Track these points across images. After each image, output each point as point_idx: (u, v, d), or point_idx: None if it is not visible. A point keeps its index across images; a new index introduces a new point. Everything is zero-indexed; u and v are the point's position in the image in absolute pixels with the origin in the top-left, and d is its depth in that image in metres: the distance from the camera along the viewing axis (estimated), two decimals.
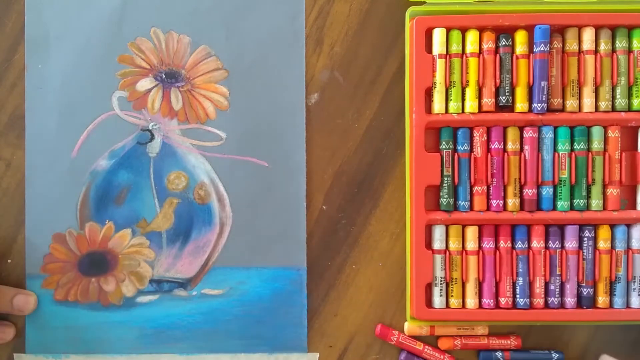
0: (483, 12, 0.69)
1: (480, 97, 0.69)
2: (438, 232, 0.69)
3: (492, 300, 0.69)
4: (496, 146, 0.69)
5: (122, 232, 0.72)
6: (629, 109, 0.69)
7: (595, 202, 0.69)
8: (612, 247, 0.69)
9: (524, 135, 0.69)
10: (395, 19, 0.72)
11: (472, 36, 0.69)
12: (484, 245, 0.69)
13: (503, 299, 0.69)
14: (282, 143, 0.72)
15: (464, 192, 0.69)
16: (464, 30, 0.69)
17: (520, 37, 0.69)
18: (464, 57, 0.69)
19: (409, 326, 0.71)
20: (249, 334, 0.72)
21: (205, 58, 0.72)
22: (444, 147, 0.69)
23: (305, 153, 0.72)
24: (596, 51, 0.69)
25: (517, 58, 0.69)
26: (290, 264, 0.72)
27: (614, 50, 0.69)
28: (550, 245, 0.69)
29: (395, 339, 0.71)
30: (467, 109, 0.69)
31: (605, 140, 0.69)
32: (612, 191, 0.69)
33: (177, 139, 0.72)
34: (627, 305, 0.69)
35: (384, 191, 0.72)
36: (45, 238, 0.72)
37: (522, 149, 0.69)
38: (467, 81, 0.69)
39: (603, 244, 0.69)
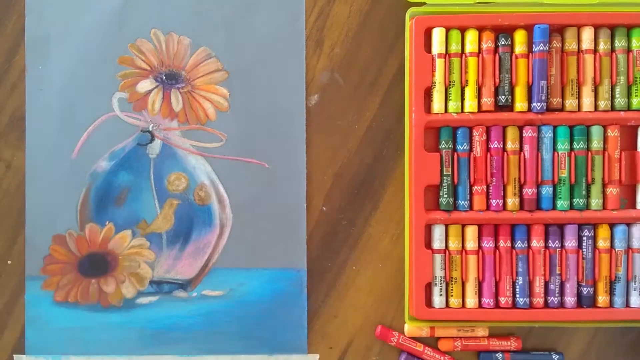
0: (482, 12, 0.69)
1: (479, 96, 0.69)
2: (438, 231, 0.69)
3: (492, 300, 0.69)
4: (495, 146, 0.69)
5: (122, 233, 0.72)
6: (628, 108, 0.69)
7: (595, 202, 0.69)
8: (612, 246, 0.69)
9: (524, 135, 0.69)
10: (395, 21, 0.72)
11: (471, 36, 0.69)
12: (483, 245, 0.69)
13: (503, 298, 0.69)
14: (282, 144, 0.72)
15: (463, 191, 0.69)
16: (463, 30, 0.69)
17: (520, 36, 0.69)
18: (464, 56, 0.69)
19: (409, 327, 0.71)
20: (249, 335, 0.71)
21: (205, 59, 0.72)
22: (443, 146, 0.69)
23: (305, 154, 0.72)
24: (595, 50, 0.69)
25: (517, 57, 0.69)
26: (291, 266, 0.71)
27: (613, 50, 0.69)
28: (549, 245, 0.69)
29: (395, 340, 0.71)
30: (467, 108, 0.69)
31: (605, 139, 0.69)
32: (612, 190, 0.69)
33: (177, 140, 0.72)
34: (627, 304, 0.69)
35: (384, 192, 0.72)
36: (46, 239, 0.72)
37: (521, 149, 0.69)
38: (467, 81, 0.69)
39: (602, 243, 0.68)
